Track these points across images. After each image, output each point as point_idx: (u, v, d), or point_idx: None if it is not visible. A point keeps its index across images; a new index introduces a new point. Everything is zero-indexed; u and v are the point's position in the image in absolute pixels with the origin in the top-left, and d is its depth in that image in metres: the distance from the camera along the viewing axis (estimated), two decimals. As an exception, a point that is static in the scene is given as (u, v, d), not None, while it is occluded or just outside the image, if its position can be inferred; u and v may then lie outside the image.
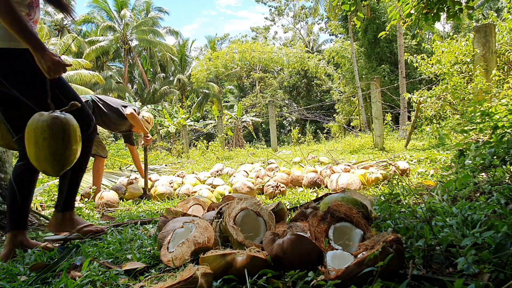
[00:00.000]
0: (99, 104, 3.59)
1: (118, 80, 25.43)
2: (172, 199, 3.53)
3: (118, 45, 25.59)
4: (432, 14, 2.84)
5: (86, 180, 3.89)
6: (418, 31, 3.14)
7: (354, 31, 16.57)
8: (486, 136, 2.30)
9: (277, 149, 9.57)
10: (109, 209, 3.18)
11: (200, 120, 21.46)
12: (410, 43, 15.37)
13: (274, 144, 9.62)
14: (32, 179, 1.69)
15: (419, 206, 1.49)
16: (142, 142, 3.99)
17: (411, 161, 4.02)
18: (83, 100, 3.56)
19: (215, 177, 4.30)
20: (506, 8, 7.10)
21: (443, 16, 2.92)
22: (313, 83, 24.74)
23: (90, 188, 3.48)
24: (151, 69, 28.66)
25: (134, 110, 3.71)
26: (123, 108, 3.69)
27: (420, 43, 15.11)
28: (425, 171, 3.22)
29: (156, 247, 1.49)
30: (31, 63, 1.50)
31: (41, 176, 2.82)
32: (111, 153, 7.97)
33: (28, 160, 1.48)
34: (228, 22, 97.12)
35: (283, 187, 3.22)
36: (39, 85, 1.56)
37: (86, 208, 2.72)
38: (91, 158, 3.63)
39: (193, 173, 4.90)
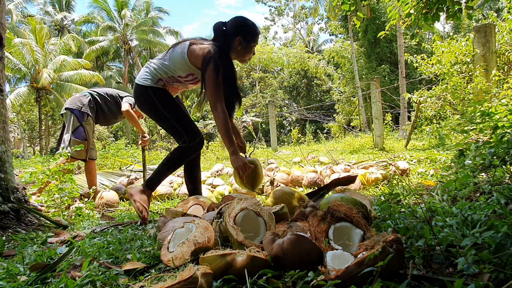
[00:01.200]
0: (98, 100, 3.52)
1: (118, 80, 25.44)
2: (172, 199, 3.53)
3: (118, 45, 25.59)
4: (432, 14, 2.84)
5: (84, 182, 3.87)
6: (418, 31, 3.14)
7: (354, 31, 16.57)
8: (486, 136, 2.30)
9: (277, 149, 9.58)
10: (109, 209, 3.18)
11: (200, 120, 21.44)
12: (410, 43, 15.37)
13: (274, 144, 9.62)
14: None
15: (419, 206, 1.49)
16: (140, 142, 3.90)
17: (411, 161, 4.01)
18: (83, 98, 3.45)
19: (215, 177, 4.30)
20: (506, 8, 7.10)
21: (443, 16, 2.92)
22: (313, 83, 24.74)
23: (90, 189, 3.48)
24: (151, 69, 28.64)
25: (130, 104, 3.61)
26: (119, 98, 3.61)
27: (420, 43, 15.12)
28: (425, 171, 3.22)
29: (156, 247, 1.49)
30: (153, 98, 2.17)
31: (40, 176, 2.81)
32: (111, 153, 7.96)
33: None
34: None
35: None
36: (160, 115, 2.21)
37: (86, 208, 2.72)
38: (83, 162, 3.61)
39: (193, 173, 4.89)
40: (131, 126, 22.67)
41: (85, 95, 3.51)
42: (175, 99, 2.26)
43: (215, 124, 16.61)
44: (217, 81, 2.04)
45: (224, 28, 2.14)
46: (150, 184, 2.23)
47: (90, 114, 3.44)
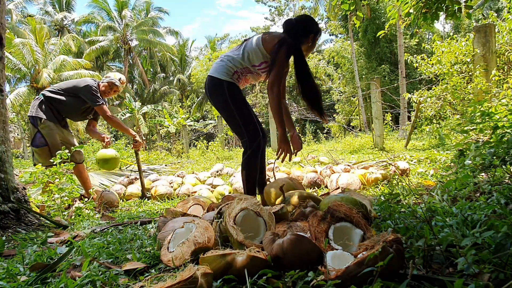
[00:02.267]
0: (53, 97, 3.23)
1: (118, 80, 25.42)
2: (172, 199, 3.53)
3: (118, 45, 25.59)
4: (431, 13, 2.85)
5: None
6: (417, 30, 3.14)
7: (354, 31, 16.57)
8: (486, 136, 2.30)
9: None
10: (109, 209, 3.18)
11: (200, 120, 21.45)
12: (410, 43, 15.38)
13: (274, 144, 9.62)
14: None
15: (419, 206, 1.49)
16: (132, 146, 3.74)
17: (411, 161, 4.01)
18: (35, 101, 3.23)
19: (215, 177, 4.30)
20: (506, 8, 7.10)
21: (443, 16, 2.92)
22: (313, 83, 24.69)
23: (86, 192, 3.46)
24: (151, 69, 28.65)
25: (103, 102, 3.22)
26: (77, 90, 3.22)
27: (420, 43, 15.12)
28: (425, 171, 3.22)
29: (156, 247, 1.49)
30: (226, 92, 2.23)
31: (41, 175, 2.81)
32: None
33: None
34: (228, 22, 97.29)
35: (283, 187, 3.21)
36: (227, 109, 2.27)
37: (86, 208, 2.72)
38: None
39: (193, 173, 4.90)
40: (131, 125, 22.67)
41: (37, 98, 3.27)
42: (245, 98, 2.37)
43: (215, 124, 16.60)
44: (284, 64, 2.14)
45: (295, 25, 2.25)
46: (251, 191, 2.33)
47: (42, 116, 3.14)
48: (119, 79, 3.47)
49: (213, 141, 11.69)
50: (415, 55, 6.20)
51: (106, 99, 3.48)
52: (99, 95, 3.30)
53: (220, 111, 2.38)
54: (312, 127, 16.50)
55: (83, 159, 3.48)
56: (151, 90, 26.64)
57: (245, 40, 2.37)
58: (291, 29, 2.22)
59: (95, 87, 3.30)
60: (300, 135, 2.72)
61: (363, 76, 16.08)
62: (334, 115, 18.11)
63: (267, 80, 2.20)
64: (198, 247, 1.26)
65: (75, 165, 3.23)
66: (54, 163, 2.75)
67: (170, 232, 1.43)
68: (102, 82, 3.43)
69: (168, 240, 1.39)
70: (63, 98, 3.25)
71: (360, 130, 14.00)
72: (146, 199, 3.67)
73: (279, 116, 2.17)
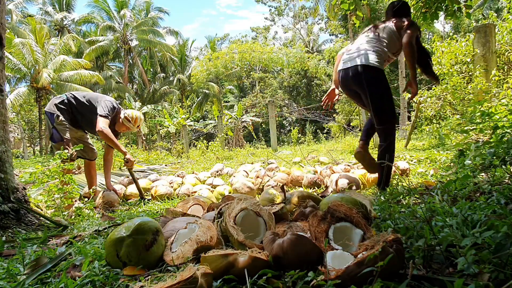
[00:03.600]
0: (74, 103, 3.34)
1: (118, 80, 25.44)
2: (172, 199, 3.53)
3: (118, 45, 25.60)
4: (431, 13, 2.85)
5: (84, 182, 3.84)
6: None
7: (354, 31, 16.57)
8: (486, 136, 2.30)
9: (277, 149, 9.57)
10: (109, 209, 3.18)
11: (200, 120, 21.45)
12: (410, 43, 15.35)
13: (274, 144, 9.63)
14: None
15: (419, 206, 1.49)
16: (123, 165, 3.68)
17: (411, 161, 4.01)
18: (56, 99, 3.32)
19: (215, 177, 4.30)
20: (506, 8, 7.10)
21: (442, 15, 2.93)
22: (313, 83, 24.74)
23: (89, 189, 3.48)
24: (151, 69, 28.65)
25: (107, 116, 3.25)
26: (98, 100, 3.35)
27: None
28: (425, 171, 3.22)
29: (156, 247, 1.49)
30: (385, 80, 2.45)
31: (40, 175, 2.81)
32: (111, 153, 7.93)
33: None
34: (228, 22, 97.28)
35: (283, 187, 3.21)
36: (386, 97, 2.45)
37: (86, 208, 2.72)
38: (81, 161, 3.53)
39: (193, 173, 4.90)
40: (131, 126, 22.61)
41: (59, 97, 3.38)
42: None
43: (215, 124, 16.60)
44: (416, 33, 2.44)
45: (407, 6, 2.66)
46: (387, 182, 2.49)
47: (59, 114, 3.26)
48: (138, 126, 3.56)
49: (213, 141, 11.69)
50: (415, 55, 6.19)
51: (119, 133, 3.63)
52: (110, 111, 3.34)
53: (376, 99, 2.46)
54: (312, 127, 16.49)
55: (96, 156, 3.60)
56: (151, 90, 26.64)
57: (373, 28, 2.57)
58: (405, 11, 2.60)
59: (113, 105, 3.40)
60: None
61: (363, 76, 16.05)
62: (334, 115, 18.12)
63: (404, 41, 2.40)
64: (200, 245, 1.26)
65: (87, 162, 3.49)
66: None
67: (171, 232, 1.43)
68: (121, 118, 3.49)
69: (171, 241, 1.39)
70: (81, 107, 3.36)
71: (360, 130, 14.00)
72: (146, 200, 3.66)
73: (414, 63, 2.39)
